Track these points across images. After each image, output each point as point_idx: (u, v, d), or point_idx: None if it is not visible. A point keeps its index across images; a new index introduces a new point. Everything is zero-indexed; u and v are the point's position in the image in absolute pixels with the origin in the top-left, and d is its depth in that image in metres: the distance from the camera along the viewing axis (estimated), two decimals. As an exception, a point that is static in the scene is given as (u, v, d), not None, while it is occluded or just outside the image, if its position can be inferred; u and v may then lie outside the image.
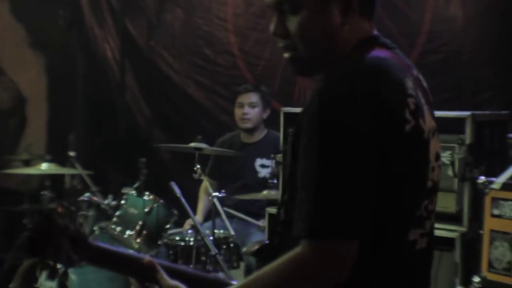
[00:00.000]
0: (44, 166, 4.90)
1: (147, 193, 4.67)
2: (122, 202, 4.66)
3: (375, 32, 1.68)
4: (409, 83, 1.58)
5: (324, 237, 1.44)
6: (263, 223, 4.57)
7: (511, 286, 3.18)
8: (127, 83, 6.55)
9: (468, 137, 3.50)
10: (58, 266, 1.65)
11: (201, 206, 5.17)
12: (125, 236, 4.54)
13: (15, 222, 5.76)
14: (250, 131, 5.18)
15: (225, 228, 4.39)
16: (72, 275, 4.30)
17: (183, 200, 4.17)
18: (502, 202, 3.22)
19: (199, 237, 4.17)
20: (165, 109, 6.38)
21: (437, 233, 3.41)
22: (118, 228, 4.59)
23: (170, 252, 4.32)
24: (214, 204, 4.28)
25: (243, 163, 5.11)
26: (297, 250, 1.46)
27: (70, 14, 6.57)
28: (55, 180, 5.33)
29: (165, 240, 4.41)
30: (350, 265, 1.44)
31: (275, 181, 4.38)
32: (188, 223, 4.86)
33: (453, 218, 3.55)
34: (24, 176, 6.19)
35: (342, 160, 1.45)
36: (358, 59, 1.58)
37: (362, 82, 1.50)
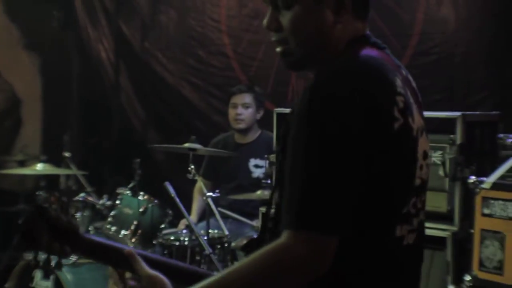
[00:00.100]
0: (39, 167, 4.90)
1: (141, 193, 4.69)
2: (117, 202, 4.69)
3: (367, 32, 1.71)
4: (398, 82, 1.60)
5: (306, 228, 1.46)
6: (257, 223, 4.57)
7: (501, 285, 3.19)
8: (121, 84, 6.56)
9: (458, 137, 3.51)
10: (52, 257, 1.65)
11: (196, 206, 5.18)
12: (120, 236, 4.55)
13: (10, 223, 5.75)
14: (244, 131, 5.20)
15: (219, 228, 4.39)
16: (68, 275, 4.32)
17: (177, 200, 4.19)
18: (492, 201, 3.24)
19: (193, 237, 4.19)
20: (159, 110, 6.39)
21: (429, 232, 3.45)
22: (113, 228, 4.61)
23: (165, 252, 4.33)
24: (208, 204, 4.30)
25: (237, 164, 5.13)
26: (278, 240, 1.48)
27: (64, 15, 6.58)
28: (50, 180, 5.34)
29: (160, 240, 4.42)
30: (329, 259, 1.46)
31: (269, 181, 4.38)
32: (182, 223, 4.87)
33: (444, 218, 3.56)
34: (19, 177, 6.18)
35: (329, 156, 1.47)
36: (348, 58, 1.61)
37: (352, 80, 1.52)
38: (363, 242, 1.54)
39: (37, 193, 4.98)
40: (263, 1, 1.72)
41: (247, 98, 5.15)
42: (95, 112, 6.70)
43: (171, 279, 1.66)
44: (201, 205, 5.03)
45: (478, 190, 3.30)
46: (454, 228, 3.53)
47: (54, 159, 5.15)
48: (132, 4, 6.44)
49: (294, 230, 1.47)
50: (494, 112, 3.93)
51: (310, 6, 1.64)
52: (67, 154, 5.25)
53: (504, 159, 3.47)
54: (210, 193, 4.33)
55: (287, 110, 4.24)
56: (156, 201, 4.69)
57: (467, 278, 3.30)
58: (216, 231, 4.45)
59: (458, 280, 3.42)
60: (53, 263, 1.73)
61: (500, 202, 3.22)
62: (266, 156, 4.42)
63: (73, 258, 4.28)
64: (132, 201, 4.66)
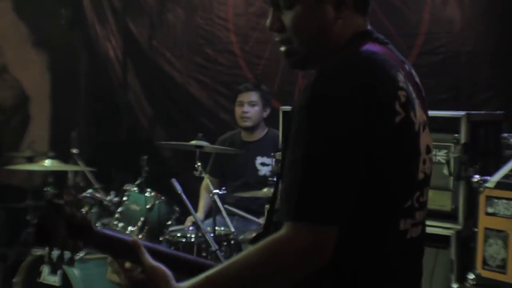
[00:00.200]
0: (47, 163, 4.91)
1: (148, 190, 4.70)
2: (124, 198, 4.70)
3: (369, 27, 1.72)
4: (400, 77, 1.62)
5: (306, 220, 1.48)
6: (263, 220, 4.59)
7: (505, 283, 3.22)
8: (129, 82, 6.57)
9: (463, 136, 3.53)
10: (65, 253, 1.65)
11: (202, 203, 5.18)
12: (127, 232, 4.56)
13: (18, 219, 5.81)
14: (250, 129, 5.21)
15: (225, 225, 4.40)
16: (75, 270, 4.35)
17: (184, 197, 4.20)
18: (496, 200, 3.26)
19: (200, 234, 4.20)
20: (166, 107, 6.40)
21: (433, 230, 3.47)
22: (120, 224, 4.62)
23: (172, 248, 4.35)
24: (215, 202, 4.30)
25: (244, 161, 5.14)
26: (279, 231, 1.51)
27: (72, 13, 6.61)
28: (58, 176, 5.36)
29: (167, 237, 4.44)
30: (329, 250, 1.48)
31: (275, 179, 4.39)
32: (189, 220, 4.87)
33: (449, 216, 3.59)
34: (27, 173, 6.22)
35: (329, 149, 1.49)
36: (350, 53, 1.63)
37: (354, 75, 1.54)
38: (367, 235, 1.56)
39: (45, 189, 5.00)
40: (265, 2, 1.74)
41: (254, 96, 5.17)
42: (103, 109, 6.72)
43: (176, 270, 1.68)
44: (208, 202, 5.03)
45: (482, 189, 3.32)
46: (458, 227, 3.56)
47: (62, 155, 5.16)
48: (139, 2, 6.45)
49: (294, 221, 1.49)
50: (498, 112, 3.95)
51: (311, 4, 1.66)
52: (75, 151, 5.26)
53: (508, 159, 3.49)
54: (217, 191, 4.34)
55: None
56: (163, 198, 4.70)
57: (471, 276, 3.32)
58: (222, 228, 4.46)
59: (461, 279, 3.44)
60: (65, 259, 1.74)
61: (504, 201, 3.24)
62: (272, 154, 4.44)
63: (80, 253, 4.30)
64: (139, 198, 4.68)
